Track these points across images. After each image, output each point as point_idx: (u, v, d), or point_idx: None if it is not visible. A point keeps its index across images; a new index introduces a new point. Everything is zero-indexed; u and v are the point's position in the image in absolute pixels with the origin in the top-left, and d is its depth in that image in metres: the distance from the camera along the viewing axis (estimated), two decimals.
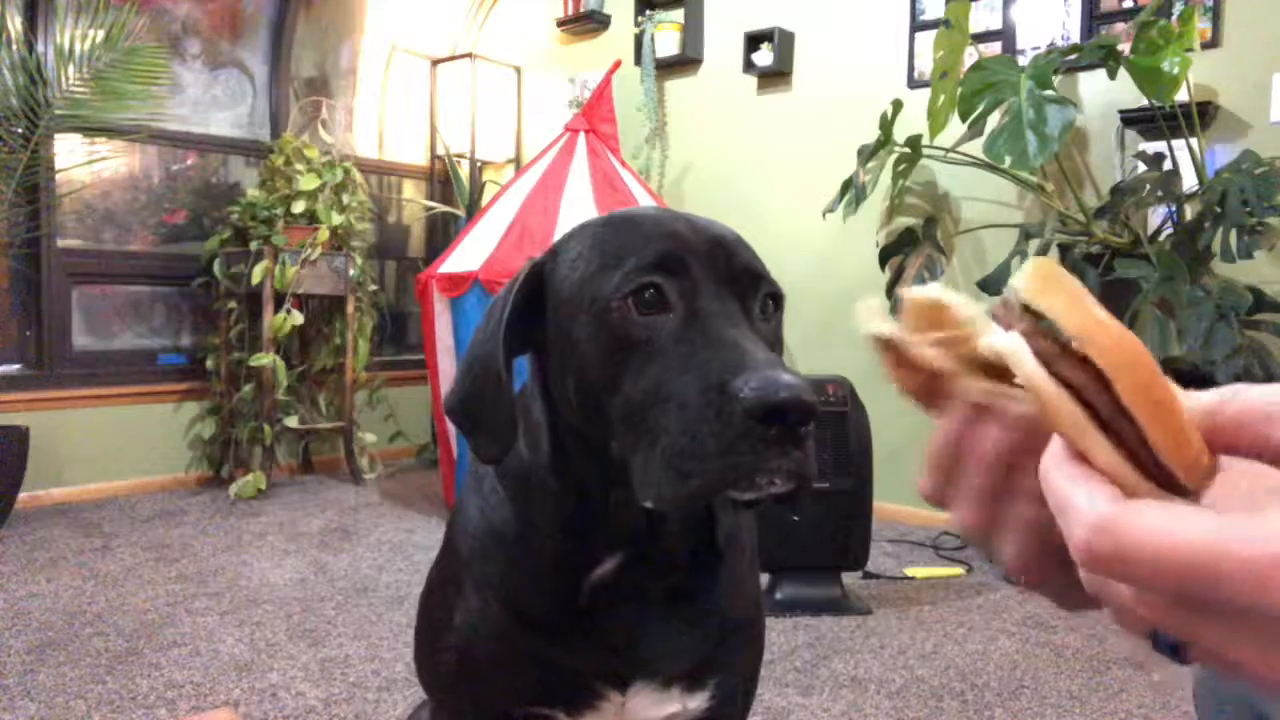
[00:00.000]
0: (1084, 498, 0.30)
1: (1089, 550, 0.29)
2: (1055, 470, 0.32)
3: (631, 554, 0.74)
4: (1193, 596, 0.28)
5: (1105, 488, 0.31)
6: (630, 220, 0.72)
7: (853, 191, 2.99)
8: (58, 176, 3.32)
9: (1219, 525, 0.27)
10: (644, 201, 3.14)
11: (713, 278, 0.66)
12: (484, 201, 4.02)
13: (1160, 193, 2.44)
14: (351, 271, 3.69)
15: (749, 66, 3.64)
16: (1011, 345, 0.34)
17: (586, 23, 4.14)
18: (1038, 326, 0.33)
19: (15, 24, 3.16)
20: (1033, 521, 0.36)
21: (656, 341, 0.63)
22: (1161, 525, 0.28)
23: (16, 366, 3.36)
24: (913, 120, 2.97)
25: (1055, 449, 0.33)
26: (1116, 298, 2.43)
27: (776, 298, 0.71)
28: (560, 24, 4.23)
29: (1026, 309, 0.33)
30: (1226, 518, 0.28)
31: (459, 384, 0.74)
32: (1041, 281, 0.34)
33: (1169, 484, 0.31)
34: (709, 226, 0.71)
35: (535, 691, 0.78)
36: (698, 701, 0.80)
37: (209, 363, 3.66)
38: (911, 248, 2.97)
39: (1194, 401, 0.33)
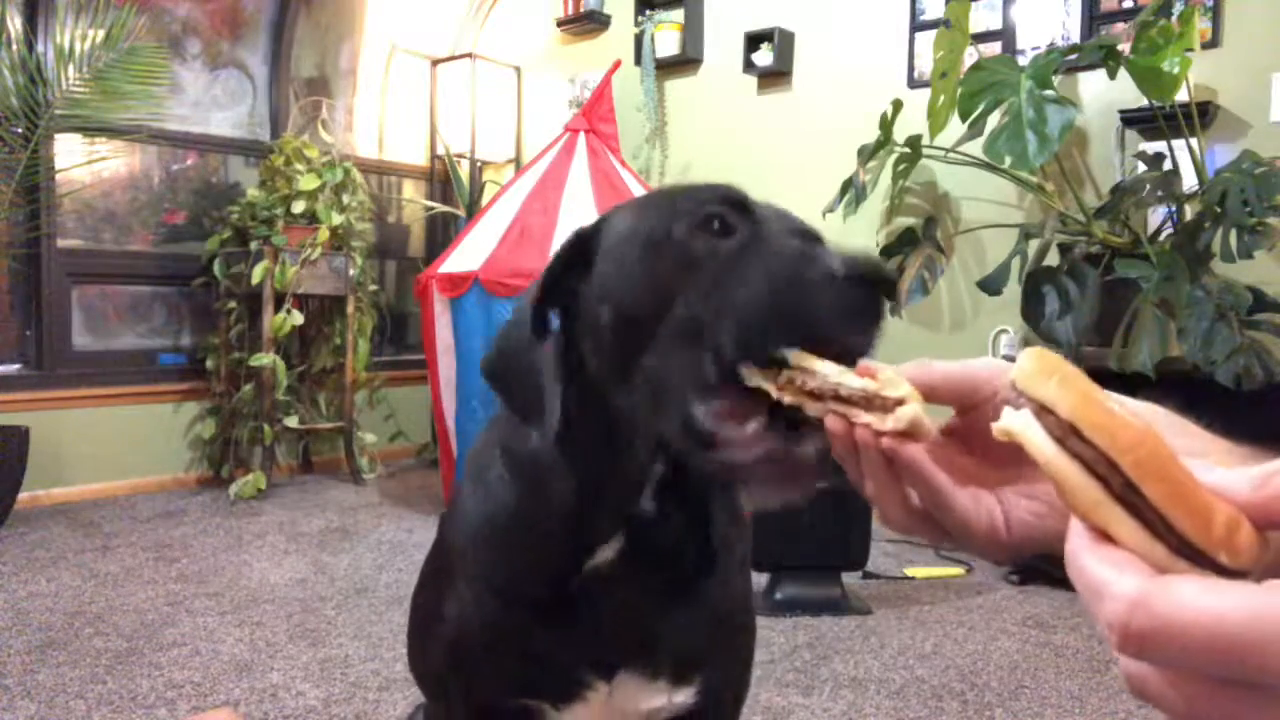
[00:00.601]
0: (1115, 575, 0.29)
1: (1126, 629, 0.27)
2: (1083, 554, 0.31)
3: (629, 543, 0.74)
4: (1241, 676, 0.26)
5: (1137, 563, 0.29)
6: (683, 183, 0.72)
7: (853, 191, 2.99)
8: (58, 176, 3.32)
9: (1267, 595, 0.26)
10: None
11: (775, 221, 0.65)
12: (484, 201, 4.02)
13: (1160, 193, 2.44)
14: (351, 271, 3.69)
15: (749, 66, 3.64)
16: (1020, 425, 0.35)
17: (586, 23, 4.14)
18: (1044, 406, 0.34)
19: (15, 24, 3.16)
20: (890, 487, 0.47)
21: (722, 257, 0.60)
22: (1202, 597, 0.26)
23: (16, 366, 3.36)
24: (913, 120, 2.97)
25: (1077, 531, 0.32)
26: (1116, 298, 2.43)
27: None
28: (560, 24, 4.23)
29: None
30: (1274, 588, 0.26)
31: (495, 347, 0.73)
32: (1036, 370, 0.35)
33: (1203, 563, 0.30)
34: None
35: (524, 682, 0.79)
36: (684, 696, 0.80)
37: (209, 363, 3.66)
38: (911, 248, 2.97)
39: (1236, 477, 0.31)
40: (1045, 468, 0.33)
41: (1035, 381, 0.35)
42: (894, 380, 0.46)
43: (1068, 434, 0.33)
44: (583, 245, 0.70)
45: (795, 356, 0.49)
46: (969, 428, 0.50)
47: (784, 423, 0.54)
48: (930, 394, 0.47)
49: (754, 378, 0.51)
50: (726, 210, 0.63)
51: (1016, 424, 0.35)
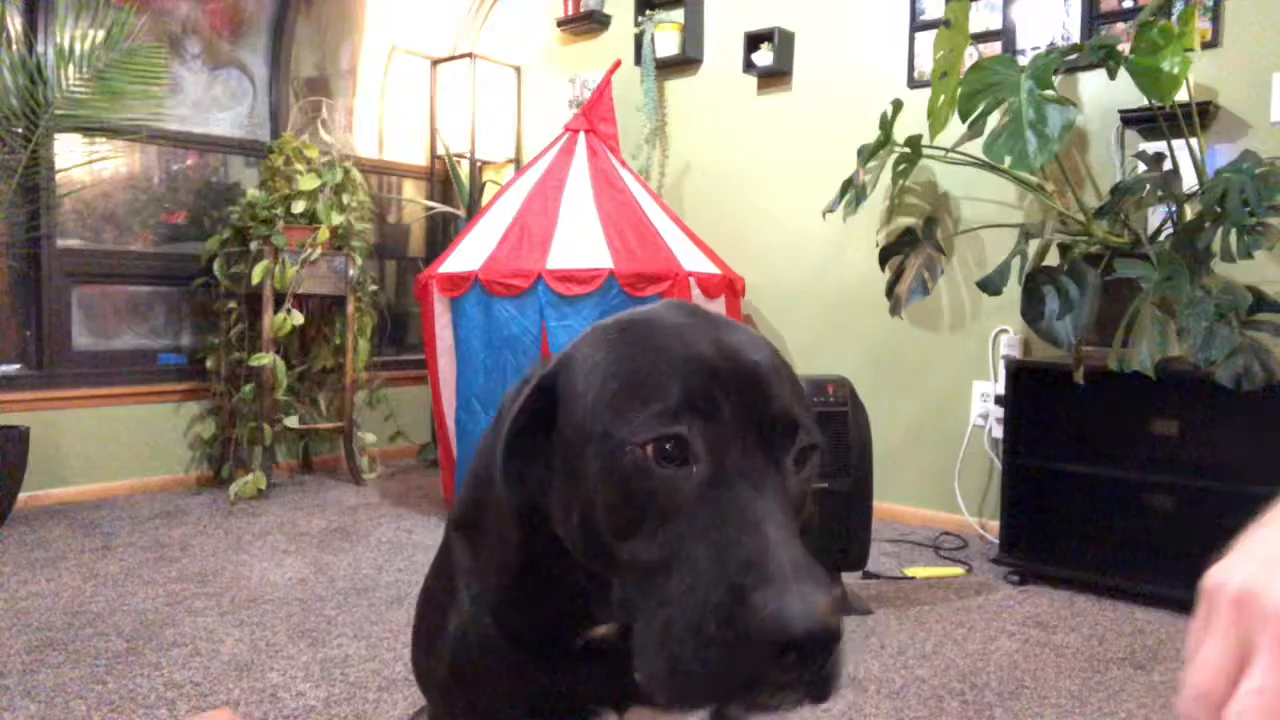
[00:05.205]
0: None
1: None
2: None
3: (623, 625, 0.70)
4: None
5: None
6: (652, 336, 0.64)
7: (853, 191, 2.99)
8: (58, 176, 3.32)
9: None
10: (644, 202, 3.14)
11: (744, 423, 0.59)
12: (484, 201, 4.03)
13: (1160, 193, 2.44)
14: (351, 271, 3.69)
15: (749, 66, 3.64)
16: None
17: (586, 23, 4.14)
18: None
19: (15, 24, 3.16)
20: None
21: (676, 498, 0.57)
22: None
23: (16, 366, 3.36)
24: (913, 120, 2.97)
25: None
26: (1116, 298, 2.43)
27: (814, 449, 0.64)
28: (560, 24, 4.23)
29: None
30: None
31: (462, 496, 0.71)
32: None
33: None
34: (741, 351, 0.63)
35: (530, 705, 0.76)
36: (697, 714, 0.79)
37: (209, 363, 3.66)
38: (911, 248, 2.96)
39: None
40: None
41: None
42: None
43: None
44: (544, 397, 0.67)
45: None
46: None
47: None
48: None
49: None
50: (687, 429, 0.58)
51: None
